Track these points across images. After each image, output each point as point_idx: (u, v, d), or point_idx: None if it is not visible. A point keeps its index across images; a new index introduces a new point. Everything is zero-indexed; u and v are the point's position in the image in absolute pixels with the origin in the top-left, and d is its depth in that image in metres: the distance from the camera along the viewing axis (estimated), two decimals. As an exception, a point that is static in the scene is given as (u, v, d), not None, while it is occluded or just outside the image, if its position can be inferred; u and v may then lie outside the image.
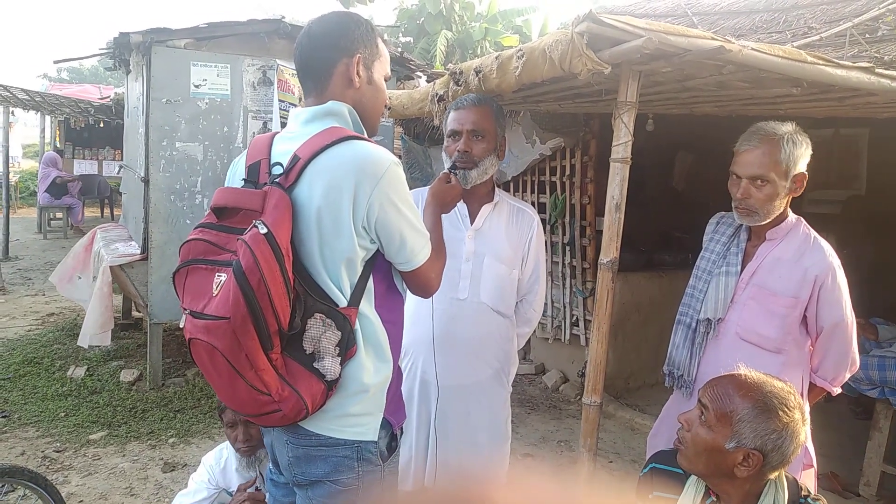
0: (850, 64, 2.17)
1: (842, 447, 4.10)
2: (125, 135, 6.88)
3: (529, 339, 5.45)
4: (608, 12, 1.89)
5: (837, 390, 2.24)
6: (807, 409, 2.18)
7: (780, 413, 1.57)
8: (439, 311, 2.29)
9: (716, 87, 2.44)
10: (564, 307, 5.31)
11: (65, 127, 14.97)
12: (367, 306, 1.55)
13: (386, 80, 1.72)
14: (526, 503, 0.63)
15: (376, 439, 1.57)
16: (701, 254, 2.38)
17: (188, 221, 4.91)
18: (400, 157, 6.30)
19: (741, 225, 2.26)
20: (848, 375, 2.21)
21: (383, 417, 1.59)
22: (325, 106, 1.58)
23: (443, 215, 1.98)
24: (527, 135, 5.27)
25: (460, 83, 2.54)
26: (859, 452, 3.77)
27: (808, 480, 2.18)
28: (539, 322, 5.27)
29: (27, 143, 22.88)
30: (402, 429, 1.71)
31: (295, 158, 1.49)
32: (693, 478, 1.74)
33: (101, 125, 12.70)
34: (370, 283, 1.55)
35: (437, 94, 2.75)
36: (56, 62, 7.42)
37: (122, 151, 8.42)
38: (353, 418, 1.54)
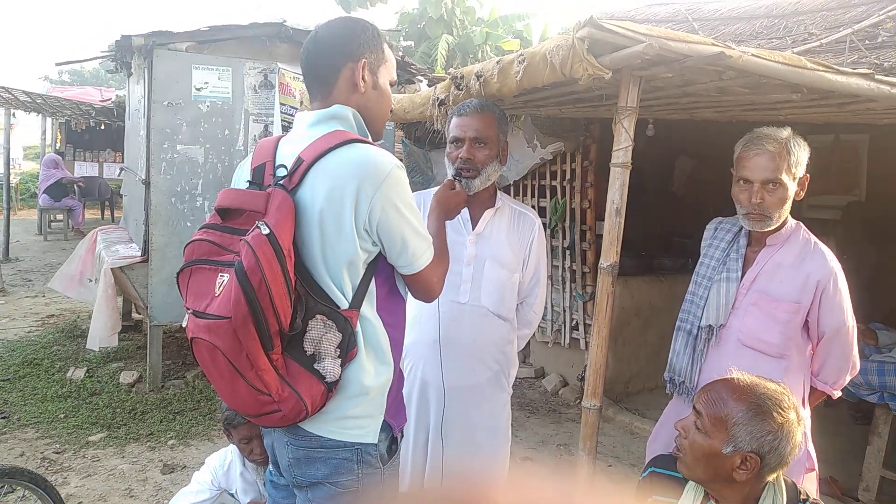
0: (850, 70, 2.18)
1: (841, 452, 4.10)
2: (126, 137, 6.89)
3: (529, 342, 5.46)
4: (609, 18, 1.90)
5: (838, 394, 2.25)
6: (808, 413, 2.20)
7: (775, 414, 1.57)
8: (442, 314, 2.30)
9: (716, 92, 2.45)
10: (564, 311, 5.31)
11: (66, 129, 14.99)
12: (369, 309, 1.56)
13: (392, 85, 1.73)
14: None
15: (376, 442, 1.57)
16: (700, 260, 2.38)
17: (189, 224, 4.92)
18: (401, 160, 6.30)
19: (740, 230, 2.26)
20: (849, 379, 2.22)
21: (384, 420, 1.60)
22: (329, 109, 1.59)
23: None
24: (527, 139, 5.28)
25: (461, 87, 2.55)
26: (858, 457, 3.77)
27: (810, 484, 2.18)
28: (539, 326, 5.29)
29: (28, 145, 22.89)
30: (402, 431, 1.72)
31: (299, 161, 1.51)
32: (692, 482, 1.74)
33: (102, 127, 12.72)
34: (372, 285, 1.56)
35: (438, 99, 2.76)
36: (57, 64, 7.45)
37: (122, 154, 8.43)
38: (353, 420, 1.54)
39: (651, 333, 5.24)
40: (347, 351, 1.49)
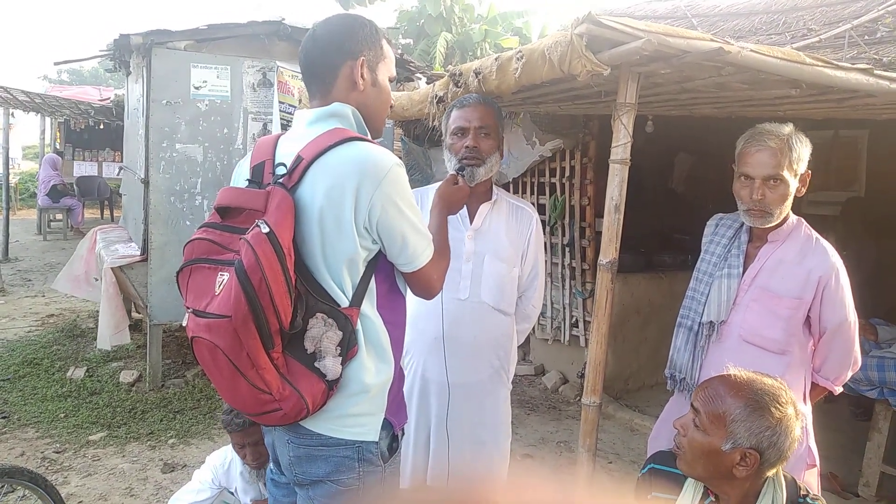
0: (849, 65, 2.18)
1: (841, 448, 4.10)
2: (125, 136, 6.88)
3: (529, 339, 5.47)
4: (608, 14, 1.89)
5: (839, 389, 2.24)
6: (809, 409, 2.19)
7: (773, 409, 1.57)
8: (445, 312, 2.30)
9: (715, 88, 2.44)
10: (564, 308, 5.31)
11: (65, 128, 14.98)
12: (369, 307, 1.56)
13: (391, 82, 1.73)
14: (527, 503, 0.63)
15: (377, 440, 1.57)
16: (701, 256, 2.37)
17: (188, 223, 4.91)
18: (400, 158, 6.30)
19: (741, 226, 2.26)
20: (850, 375, 2.22)
21: (384, 418, 1.59)
22: (329, 107, 1.59)
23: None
24: (526, 136, 5.27)
25: (460, 85, 2.55)
26: (858, 453, 3.77)
27: (812, 480, 2.17)
28: (539, 323, 5.30)
29: (27, 144, 22.88)
30: (403, 430, 1.72)
31: (298, 159, 1.51)
32: (691, 478, 1.74)
33: (101, 127, 12.72)
34: (372, 283, 1.56)
35: (436, 96, 2.76)
36: (56, 64, 7.43)
37: (122, 153, 8.43)
38: (354, 418, 1.54)
39: (651, 330, 5.24)
40: (348, 349, 1.49)
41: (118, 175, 12.62)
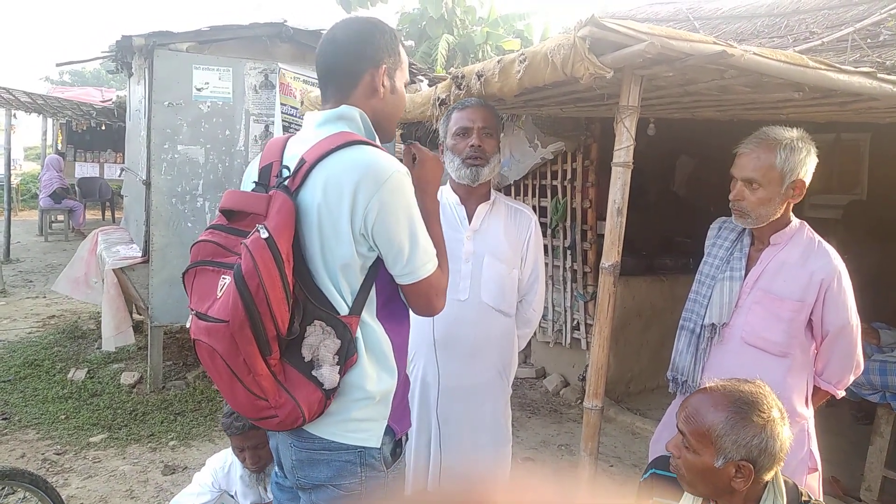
0: (852, 69, 2.17)
1: (843, 452, 4.09)
2: (127, 138, 6.89)
3: (530, 342, 5.46)
4: (610, 17, 1.89)
5: (842, 393, 2.24)
6: (811, 413, 2.19)
7: (755, 417, 1.55)
8: (442, 313, 2.29)
9: (717, 91, 2.44)
10: (565, 311, 5.30)
11: (67, 130, 15.00)
12: (370, 315, 1.54)
13: (406, 87, 1.71)
14: None
15: (379, 446, 1.56)
16: (704, 259, 2.38)
17: (189, 224, 4.91)
18: (401, 160, 6.29)
19: (744, 230, 2.27)
20: (852, 379, 2.21)
21: (387, 425, 1.58)
22: (337, 110, 1.58)
23: (440, 217, 1.96)
24: (528, 139, 5.27)
25: (462, 87, 2.54)
26: (861, 457, 3.76)
27: (813, 483, 2.17)
28: (540, 325, 5.28)
29: (29, 146, 22.90)
30: (406, 435, 1.70)
31: (301, 162, 1.50)
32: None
33: (103, 128, 12.74)
34: (373, 290, 1.54)
35: (438, 98, 2.76)
36: (58, 65, 7.45)
37: (123, 154, 8.44)
38: (356, 423, 1.53)
39: (652, 333, 5.23)
40: (346, 358, 1.47)
41: (120, 176, 12.65)
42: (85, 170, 14.59)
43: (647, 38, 1.78)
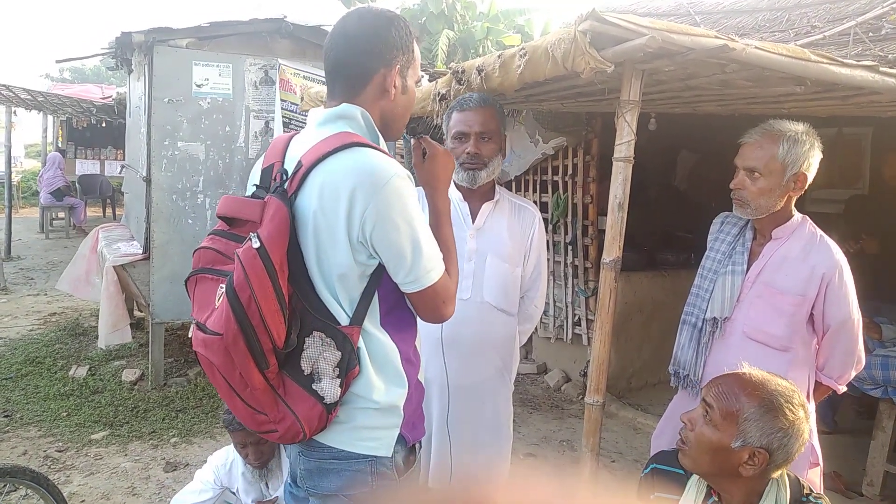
0: (854, 62, 2.16)
1: (845, 447, 4.09)
2: (127, 134, 6.88)
3: (531, 338, 5.45)
4: (611, 11, 1.88)
5: (843, 388, 2.24)
6: (813, 408, 2.19)
7: (787, 411, 1.56)
8: None
9: (719, 85, 2.43)
10: (566, 307, 5.30)
11: (67, 127, 14.99)
12: (373, 324, 1.47)
13: (417, 84, 1.64)
14: (528, 503, 0.63)
15: (391, 455, 1.50)
16: (706, 253, 2.38)
17: (190, 221, 4.91)
18: (402, 156, 6.29)
19: (746, 224, 2.27)
20: (854, 374, 2.21)
21: (399, 433, 1.52)
22: (338, 109, 1.50)
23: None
24: (529, 134, 5.26)
25: (462, 82, 2.53)
26: (862, 452, 3.76)
27: (815, 478, 2.17)
28: (541, 321, 5.28)
29: (29, 143, 22.90)
30: (420, 443, 1.64)
31: (298, 165, 1.43)
32: (694, 478, 1.74)
33: (104, 125, 12.71)
34: (375, 299, 1.47)
35: (439, 94, 2.74)
36: (58, 62, 7.43)
37: (124, 151, 8.43)
38: (367, 431, 1.48)
39: (654, 328, 5.22)
40: (348, 370, 1.41)
41: (120, 173, 12.60)
42: (85, 167, 14.59)
43: (648, 33, 1.77)
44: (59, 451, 3.88)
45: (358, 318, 1.44)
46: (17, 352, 5.52)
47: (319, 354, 1.39)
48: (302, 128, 1.65)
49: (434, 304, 1.50)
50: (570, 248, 5.18)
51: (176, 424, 4.31)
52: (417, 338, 1.63)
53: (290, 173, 1.44)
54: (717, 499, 1.69)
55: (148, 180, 4.86)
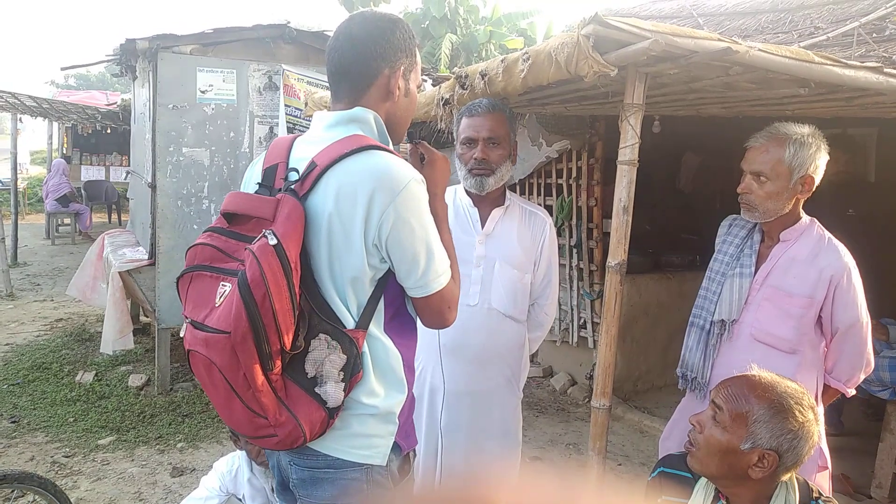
0: (858, 64, 2.16)
1: (853, 449, 4.07)
2: (132, 140, 6.90)
3: (537, 341, 5.44)
4: (614, 14, 1.88)
5: (852, 391, 2.23)
6: (821, 410, 2.18)
7: (797, 413, 1.56)
8: None
9: (722, 88, 2.43)
10: (572, 310, 5.29)
11: (72, 133, 15.06)
12: (378, 328, 1.47)
13: (419, 89, 1.64)
14: None
15: (385, 464, 1.49)
16: (714, 256, 2.38)
17: (195, 227, 4.92)
18: (406, 159, 6.28)
19: (754, 226, 2.27)
20: (863, 377, 2.20)
21: (394, 441, 1.51)
22: (350, 112, 1.49)
23: (452, 219, 1.93)
24: (533, 137, 5.26)
25: (466, 87, 2.53)
26: (871, 454, 3.74)
27: (823, 482, 2.16)
28: (547, 325, 5.25)
29: (35, 149, 23.00)
30: (414, 451, 1.63)
31: (312, 165, 1.41)
32: (702, 482, 1.73)
33: (109, 131, 12.77)
34: (381, 303, 1.47)
35: (442, 98, 2.75)
36: (63, 69, 7.44)
37: (129, 157, 8.45)
38: (362, 439, 1.46)
39: (659, 331, 5.21)
40: (352, 374, 1.39)
41: (125, 179, 12.69)
42: (91, 173, 14.64)
43: (652, 36, 1.77)
44: (67, 457, 3.89)
45: (364, 322, 1.43)
46: (24, 357, 5.53)
47: (325, 357, 1.37)
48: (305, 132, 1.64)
49: (439, 309, 1.50)
50: (575, 251, 5.17)
51: (182, 429, 4.31)
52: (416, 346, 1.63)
53: (300, 173, 1.42)
54: (724, 502, 1.68)
55: (153, 186, 4.88)
